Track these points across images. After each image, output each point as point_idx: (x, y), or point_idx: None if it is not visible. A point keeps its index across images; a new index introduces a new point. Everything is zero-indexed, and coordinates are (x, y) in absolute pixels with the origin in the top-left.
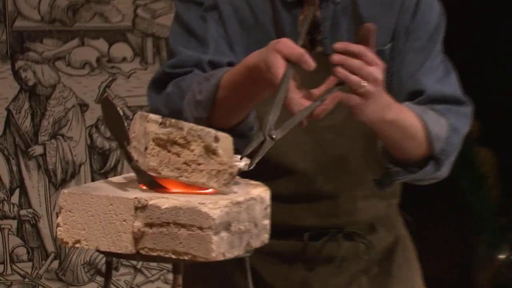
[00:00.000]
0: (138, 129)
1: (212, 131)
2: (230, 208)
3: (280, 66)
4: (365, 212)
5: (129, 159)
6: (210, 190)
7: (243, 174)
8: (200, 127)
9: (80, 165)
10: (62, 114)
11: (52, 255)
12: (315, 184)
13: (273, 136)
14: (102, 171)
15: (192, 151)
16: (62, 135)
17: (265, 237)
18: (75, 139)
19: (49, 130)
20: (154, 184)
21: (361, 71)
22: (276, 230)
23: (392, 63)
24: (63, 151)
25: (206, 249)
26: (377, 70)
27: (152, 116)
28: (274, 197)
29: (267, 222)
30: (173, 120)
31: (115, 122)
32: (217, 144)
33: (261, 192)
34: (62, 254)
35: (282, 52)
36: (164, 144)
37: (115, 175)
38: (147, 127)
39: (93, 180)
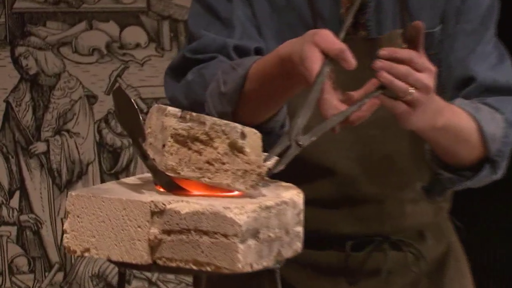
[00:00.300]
0: (154, 124)
1: (238, 126)
2: (258, 213)
3: (315, 61)
4: (413, 218)
5: (145, 157)
6: (235, 193)
7: (274, 175)
8: (224, 121)
9: (87, 165)
10: (68, 107)
11: (56, 266)
12: (357, 187)
13: (300, 143)
14: (112, 171)
15: (216, 148)
16: (68, 131)
17: (298, 246)
18: (82, 135)
19: (53, 125)
20: (173, 186)
21: (409, 77)
22: (313, 239)
23: (441, 48)
24: (69, 149)
25: (232, 259)
26: (427, 77)
27: (171, 109)
28: (311, 202)
29: (300, 229)
30: (194, 114)
31: (129, 116)
32: (243, 141)
33: (293, 195)
34: (68, 265)
35: (320, 46)
36: (184, 140)
37: (127, 176)
38: (165, 121)
39: (102, 181)
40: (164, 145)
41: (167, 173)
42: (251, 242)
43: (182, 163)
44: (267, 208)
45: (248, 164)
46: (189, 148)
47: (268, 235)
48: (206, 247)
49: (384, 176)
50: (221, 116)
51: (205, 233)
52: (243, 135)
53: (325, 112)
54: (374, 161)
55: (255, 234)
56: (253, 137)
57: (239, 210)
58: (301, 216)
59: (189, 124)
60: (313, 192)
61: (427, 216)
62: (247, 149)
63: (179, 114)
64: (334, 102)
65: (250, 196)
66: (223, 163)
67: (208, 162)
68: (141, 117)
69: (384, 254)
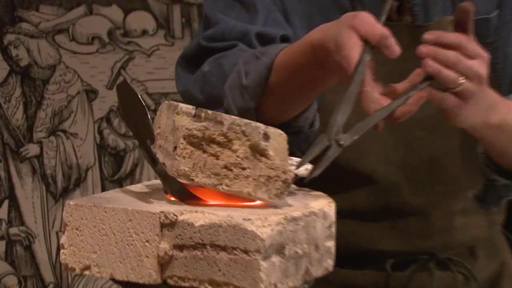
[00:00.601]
0: (164, 124)
1: (261, 126)
2: (283, 225)
3: (354, 48)
4: (463, 232)
5: (153, 161)
6: (257, 203)
7: (302, 183)
8: (245, 120)
9: (87, 170)
10: (64, 104)
11: (51, 286)
12: (400, 196)
13: (341, 142)
14: (115, 178)
15: (235, 151)
16: (64, 131)
17: (329, 263)
18: (80, 136)
19: (47, 125)
20: (186, 194)
21: (458, 65)
22: (347, 256)
23: (498, 36)
24: (65, 152)
25: (253, 279)
26: (479, 64)
27: (183, 106)
28: (345, 213)
29: (331, 244)
30: (210, 112)
31: (135, 114)
32: (266, 143)
33: (324, 205)
34: (64, 286)
35: (359, 31)
36: (198, 142)
37: (132, 183)
38: (176, 120)
39: (103, 189)
40: (175, 148)
41: (179, 180)
42: (276, 259)
43: (196, 168)
44: (294, 219)
45: (272, 170)
46: (204, 151)
47: (294, 251)
48: (224, 264)
49: (431, 184)
50: (242, 112)
51: (223, 248)
52: (266, 136)
53: (367, 107)
54: (419, 166)
55: (280, 249)
56: (278, 138)
57: (262, 222)
58: (333, 229)
59: (204, 123)
60: (348, 203)
61: (479, 230)
62: (271, 152)
63: (193, 112)
64: (376, 96)
65: (274, 207)
66: (243, 169)
67: (226, 167)
68: (149, 116)
69: (430, 274)
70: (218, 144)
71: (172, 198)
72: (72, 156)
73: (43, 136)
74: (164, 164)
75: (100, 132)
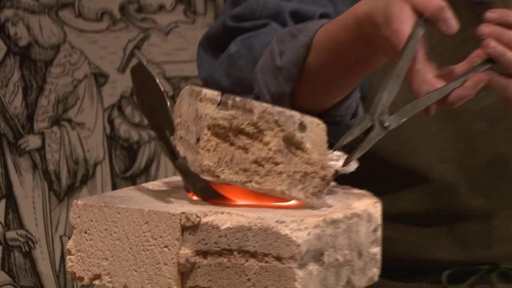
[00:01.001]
0: (186, 112)
1: (297, 115)
2: (322, 229)
3: (406, 21)
4: None
5: (173, 155)
6: (292, 203)
7: (342, 180)
8: (278, 108)
9: (95, 165)
10: (69, 89)
11: None
12: (458, 198)
13: (386, 124)
14: (127, 174)
15: (267, 144)
16: (69, 120)
17: (374, 272)
18: (88, 127)
19: (50, 113)
20: (210, 193)
21: None
22: (397, 267)
23: None
24: (71, 144)
25: None
26: None
27: (208, 92)
28: (394, 217)
29: (377, 250)
30: (238, 99)
31: (152, 101)
32: (303, 134)
33: (368, 205)
34: None
35: (412, 1)
36: (225, 133)
37: (147, 181)
38: (199, 108)
39: (114, 187)
40: (198, 140)
41: (202, 176)
42: (313, 267)
43: (222, 163)
44: (334, 222)
45: (309, 165)
46: (232, 144)
47: (335, 258)
48: (254, 274)
49: (493, 184)
50: (276, 98)
51: (253, 255)
52: (302, 127)
53: (417, 87)
54: (480, 164)
55: (318, 256)
56: (316, 129)
57: (298, 225)
58: (379, 234)
59: (231, 112)
60: (398, 205)
61: None
62: (308, 145)
63: (218, 98)
64: (428, 76)
65: (312, 207)
66: (276, 164)
67: (256, 162)
68: (168, 103)
69: (491, 287)
70: (248, 135)
71: (195, 197)
72: (79, 150)
73: (45, 126)
74: (185, 158)
75: (111, 122)
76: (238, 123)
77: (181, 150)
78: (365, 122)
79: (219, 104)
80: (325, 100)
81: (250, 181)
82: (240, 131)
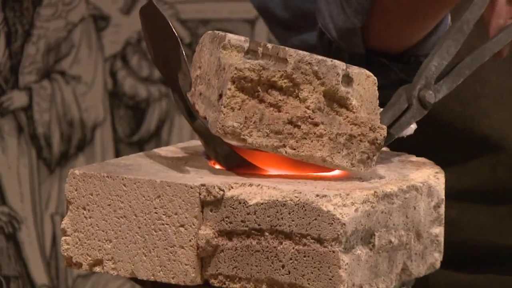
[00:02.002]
0: (207, 62)
1: (341, 65)
2: (372, 204)
3: None
4: None
5: (190, 115)
6: (335, 173)
7: (397, 146)
8: (318, 57)
9: (94, 128)
10: (62, 35)
11: None
12: None
13: (428, 101)
14: (133, 139)
15: (304, 101)
16: (62, 73)
17: (436, 258)
18: (85, 81)
19: (39, 64)
20: (236, 160)
21: None
22: (464, 255)
23: None
24: (64, 103)
25: (330, 279)
26: None
27: (233, 38)
28: (460, 193)
29: (439, 230)
30: (270, 46)
31: (165, 49)
32: (348, 89)
33: (428, 176)
34: None
35: None
36: (253, 88)
37: (157, 146)
38: (223, 57)
39: (117, 154)
40: (221, 96)
41: (226, 140)
42: (361, 251)
43: (250, 124)
44: (387, 196)
45: (355, 126)
46: (261, 100)
47: (388, 240)
48: (289, 259)
49: None
50: (344, 34)
51: (288, 236)
52: (348, 79)
53: (494, 21)
54: None
55: (367, 238)
56: (365, 82)
57: (343, 200)
58: (442, 211)
59: (261, 62)
60: (463, 179)
61: None
62: (354, 102)
63: (246, 45)
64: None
65: (359, 178)
66: (316, 124)
67: (291, 123)
68: (183, 52)
69: None
70: (281, 90)
71: (217, 166)
72: (74, 109)
73: (33, 79)
74: (205, 118)
75: (113, 75)
76: (269, 75)
77: (200, 108)
78: (402, 101)
79: (246, 53)
80: (405, 36)
81: (284, 146)
82: (271, 85)
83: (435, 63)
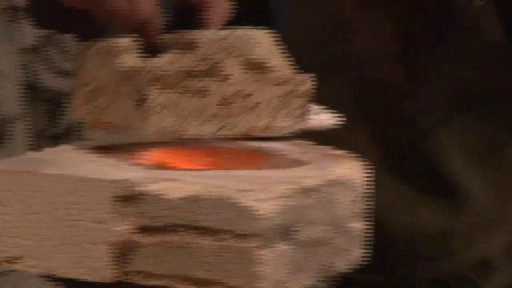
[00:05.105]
0: (100, 74)
1: (246, 32)
2: (293, 199)
3: None
4: None
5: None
6: (256, 166)
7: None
8: (224, 32)
9: (9, 122)
10: None
11: None
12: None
13: None
14: (51, 133)
15: (228, 77)
16: None
17: (358, 253)
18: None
19: None
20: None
21: None
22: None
23: None
24: None
25: (250, 275)
26: None
27: (123, 43)
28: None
29: (361, 225)
30: (175, 35)
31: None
32: (262, 51)
33: (351, 170)
34: None
35: None
36: (172, 82)
37: (75, 140)
38: (124, 63)
39: (34, 148)
40: (142, 101)
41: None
42: (282, 246)
43: (183, 118)
44: (308, 191)
45: (284, 84)
46: (186, 91)
47: (309, 235)
48: (210, 255)
49: None
50: None
51: (208, 232)
52: (257, 42)
53: None
54: None
55: (288, 233)
56: (267, 41)
57: (262, 195)
58: (364, 205)
59: (171, 54)
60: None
61: None
62: (274, 62)
63: (134, 45)
64: None
65: (280, 172)
66: (248, 95)
67: (223, 103)
68: None
69: None
70: (201, 75)
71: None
72: None
73: None
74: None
75: (28, 68)
76: (183, 64)
77: (112, 119)
78: None
79: (149, 49)
80: None
81: (224, 127)
82: (189, 74)
83: None
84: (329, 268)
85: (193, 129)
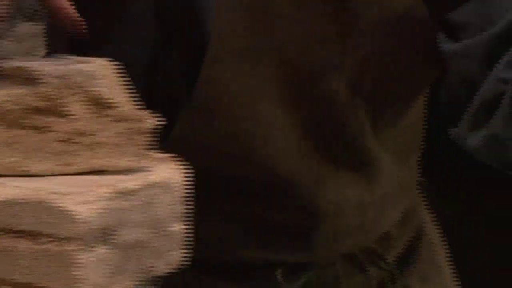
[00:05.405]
0: None
1: (90, 67)
2: (112, 202)
3: None
4: None
5: None
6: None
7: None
8: (69, 67)
9: None
10: None
11: None
12: None
13: None
14: None
15: (72, 115)
16: None
17: (177, 255)
18: None
19: None
20: None
21: None
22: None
23: None
24: None
25: (68, 278)
26: None
27: None
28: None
29: (180, 228)
30: (22, 67)
31: None
32: (103, 88)
33: (170, 172)
34: None
35: None
36: (15, 118)
37: None
38: None
39: None
40: None
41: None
42: (101, 249)
43: (25, 154)
44: (128, 193)
45: (127, 122)
46: (28, 128)
47: (128, 237)
48: (30, 259)
49: None
50: None
51: (27, 235)
52: (98, 78)
53: None
54: None
55: (107, 236)
56: (110, 74)
57: (80, 198)
58: (183, 208)
59: (14, 89)
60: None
61: None
62: (116, 97)
63: None
64: None
65: (100, 175)
66: (91, 133)
67: (66, 140)
68: None
69: None
70: (44, 111)
71: None
72: None
73: None
74: None
75: None
76: (26, 100)
77: None
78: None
79: None
80: None
81: (68, 164)
82: (33, 110)
83: None
84: (149, 270)
85: (35, 166)
